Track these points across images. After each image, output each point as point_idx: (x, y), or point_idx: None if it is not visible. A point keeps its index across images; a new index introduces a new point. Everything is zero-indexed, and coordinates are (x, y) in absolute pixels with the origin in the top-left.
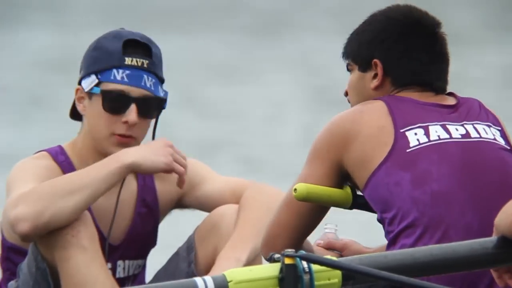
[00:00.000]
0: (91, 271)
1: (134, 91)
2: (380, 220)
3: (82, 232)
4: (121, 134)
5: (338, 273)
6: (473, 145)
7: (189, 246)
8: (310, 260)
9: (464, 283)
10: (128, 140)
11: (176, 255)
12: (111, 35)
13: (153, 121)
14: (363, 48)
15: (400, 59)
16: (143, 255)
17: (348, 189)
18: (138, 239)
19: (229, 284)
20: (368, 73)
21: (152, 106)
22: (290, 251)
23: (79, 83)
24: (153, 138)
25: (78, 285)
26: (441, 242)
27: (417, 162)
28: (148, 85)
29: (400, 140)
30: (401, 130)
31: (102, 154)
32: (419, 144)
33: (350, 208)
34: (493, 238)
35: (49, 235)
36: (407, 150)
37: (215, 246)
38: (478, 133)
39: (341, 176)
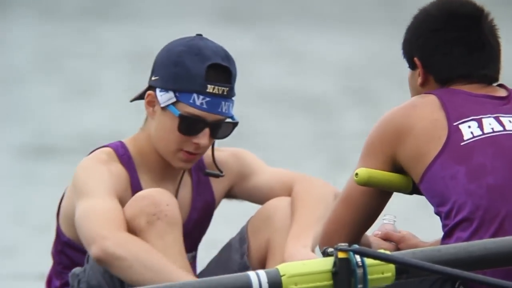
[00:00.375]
0: (167, 257)
1: (210, 117)
2: (437, 213)
3: (168, 216)
4: (190, 152)
5: (392, 267)
6: None
7: (242, 238)
8: (363, 254)
9: None
10: (194, 157)
11: (228, 246)
12: (193, 51)
13: None
14: (406, 47)
15: (434, 56)
16: (196, 247)
17: (408, 175)
18: (194, 232)
19: (282, 278)
20: (416, 70)
21: (224, 129)
22: (343, 245)
23: (152, 88)
24: (213, 155)
25: None
26: (497, 236)
27: (471, 155)
28: (224, 110)
29: (454, 133)
30: (455, 124)
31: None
32: (473, 137)
33: (411, 193)
34: None
35: (131, 215)
36: (461, 144)
37: (268, 238)
38: None
39: (395, 171)
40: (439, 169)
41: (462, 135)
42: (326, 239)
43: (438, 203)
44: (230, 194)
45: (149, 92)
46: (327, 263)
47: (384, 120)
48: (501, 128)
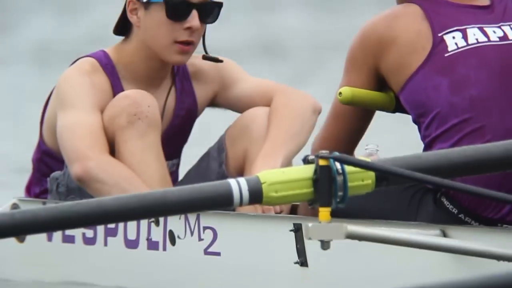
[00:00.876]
0: (144, 158)
1: None
2: (416, 123)
3: (148, 117)
4: (183, 40)
5: (372, 174)
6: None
7: (220, 147)
8: (344, 161)
9: (501, 188)
10: (189, 48)
11: (206, 155)
12: None
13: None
14: None
15: None
16: (178, 154)
17: (391, 93)
18: (176, 139)
19: (263, 185)
20: None
21: (211, 11)
22: (324, 152)
23: None
24: (204, 45)
25: (130, 169)
26: None
27: (455, 66)
28: None
29: (438, 44)
30: (439, 34)
31: (157, 61)
32: (458, 48)
33: (393, 112)
34: None
35: (112, 115)
36: (446, 55)
37: (246, 148)
38: None
39: (379, 82)
40: (421, 80)
41: (446, 46)
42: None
43: (419, 114)
44: (213, 103)
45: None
46: (308, 170)
47: (365, 31)
48: (486, 39)
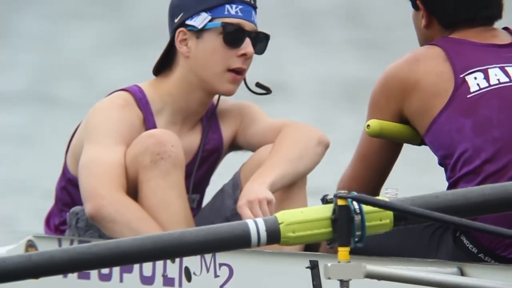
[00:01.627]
0: (166, 197)
1: (247, 25)
2: (442, 165)
3: (172, 157)
4: (236, 68)
5: (390, 214)
6: None
7: (235, 184)
8: (362, 201)
9: None
10: (240, 77)
11: (221, 192)
12: None
13: None
14: None
15: (444, 5)
16: (201, 190)
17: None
18: (200, 175)
19: (281, 225)
20: (419, 12)
21: (261, 42)
22: (342, 192)
23: (180, 26)
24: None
25: (151, 208)
26: None
27: (478, 108)
28: (255, 19)
29: (460, 85)
30: (461, 75)
31: (200, 94)
32: (480, 89)
33: (420, 144)
34: None
35: (136, 153)
36: (468, 96)
37: None
38: None
39: (403, 123)
40: (445, 122)
41: (468, 87)
42: None
43: (444, 156)
44: (235, 145)
45: (178, 30)
46: (326, 210)
47: (387, 75)
48: (507, 79)
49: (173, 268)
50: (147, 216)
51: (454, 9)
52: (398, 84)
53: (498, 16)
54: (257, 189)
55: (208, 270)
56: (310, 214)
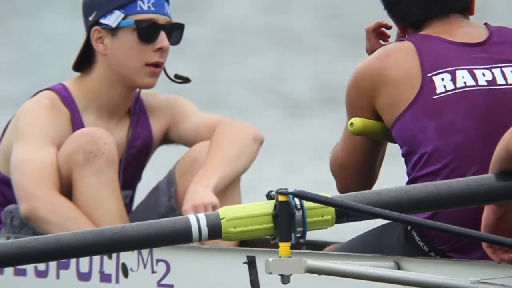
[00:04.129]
0: (100, 195)
1: (161, 19)
2: (404, 157)
3: (105, 155)
4: (155, 62)
5: (332, 210)
6: (499, 94)
7: (170, 181)
8: (302, 197)
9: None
10: (158, 70)
11: (156, 189)
12: None
13: None
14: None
15: (398, 3)
16: (132, 186)
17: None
18: (130, 170)
19: (222, 221)
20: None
21: (176, 32)
22: (284, 188)
23: (95, 25)
24: (164, 68)
25: (86, 206)
26: None
27: (442, 111)
28: (169, 12)
29: (427, 85)
30: (428, 75)
31: (122, 89)
32: (446, 91)
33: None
34: (489, 175)
35: (69, 151)
36: (434, 97)
37: None
38: (505, 78)
39: (377, 119)
40: (409, 121)
41: (435, 88)
42: (341, 186)
43: (406, 152)
44: (166, 139)
45: (93, 29)
46: (268, 206)
47: (358, 72)
48: (474, 83)
49: (110, 264)
50: (81, 215)
51: (408, 9)
52: (368, 80)
53: (459, 5)
54: (202, 193)
55: (145, 266)
56: (252, 209)
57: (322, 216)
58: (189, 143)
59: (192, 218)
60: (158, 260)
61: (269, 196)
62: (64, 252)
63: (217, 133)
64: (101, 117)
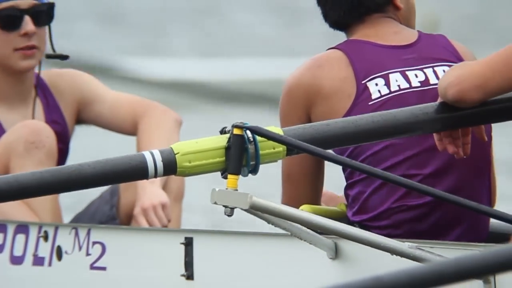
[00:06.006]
0: None
1: (23, 4)
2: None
3: (46, 147)
4: (23, 47)
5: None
6: (433, 93)
7: (113, 191)
8: (256, 132)
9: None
10: (32, 52)
11: (99, 198)
12: None
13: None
14: None
15: (324, 12)
16: None
17: (343, 206)
18: None
19: (177, 156)
20: None
21: (43, 14)
22: (239, 122)
23: None
24: (52, 45)
25: None
26: (399, 196)
27: None
28: None
29: (362, 92)
30: (363, 82)
31: (10, 74)
32: (381, 96)
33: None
34: (434, 103)
35: (10, 141)
36: (369, 103)
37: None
38: (438, 77)
39: None
40: None
41: (370, 94)
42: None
43: (347, 157)
44: (80, 120)
45: None
46: (221, 140)
47: (291, 84)
48: (407, 85)
49: (45, 247)
50: (19, 202)
51: (326, 15)
52: (302, 91)
53: (372, 4)
54: (150, 193)
55: (80, 248)
56: (206, 144)
57: (274, 148)
58: (105, 126)
59: (147, 154)
60: (94, 243)
61: (222, 132)
62: (23, 191)
63: (143, 127)
64: (11, 108)
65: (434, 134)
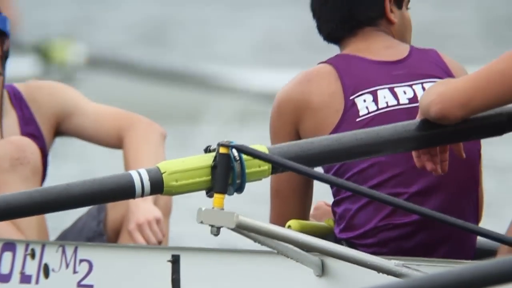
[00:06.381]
0: None
1: None
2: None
3: (31, 163)
4: None
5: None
6: None
7: (101, 207)
8: (241, 151)
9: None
10: None
11: (86, 214)
12: None
13: None
14: None
15: (318, 25)
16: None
17: (331, 221)
18: None
19: (163, 175)
20: None
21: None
22: (225, 141)
23: None
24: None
25: None
26: (386, 214)
27: None
28: None
29: (350, 108)
30: (351, 98)
31: None
32: (368, 113)
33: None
34: (416, 120)
35: None
36: (357, 120)
37: (125, 212)
38: None
39: None
40: None
41: (358, 111)
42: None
43: (334, 175)
44: (58, 131)
45: None
46: (207, 158)
47: (280, 99)
48: (395, 102)
49: (32, 265)
50: (8, 225)
51: (320, 28)
52: (291, 106)
53: (370, 18)
54: (144, 208)
55: (67, 266)
56: (192, 162)
57: (260, 167)
58: (87, 139)
59: (134, 173)
60: (81, 260)
61: (207, 150)
62: (11, 211)
63: (129, 141)
64: None
65: (413, 152)
